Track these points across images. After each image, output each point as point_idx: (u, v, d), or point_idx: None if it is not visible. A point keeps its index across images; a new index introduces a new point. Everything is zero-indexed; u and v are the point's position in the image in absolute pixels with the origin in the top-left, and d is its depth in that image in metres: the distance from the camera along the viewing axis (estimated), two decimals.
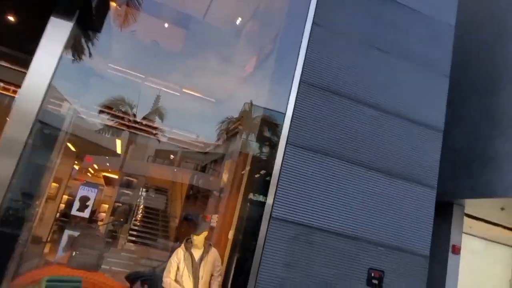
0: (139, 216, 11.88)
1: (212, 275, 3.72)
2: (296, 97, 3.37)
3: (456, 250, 4.90)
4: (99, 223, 10.97)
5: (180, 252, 3.66)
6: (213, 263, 3.70)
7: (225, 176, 7.24)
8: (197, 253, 3.69)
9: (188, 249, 3.66)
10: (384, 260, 3.42)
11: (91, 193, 7.18)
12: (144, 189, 12.86)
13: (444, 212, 5.13)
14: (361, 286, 3.30)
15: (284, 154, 3.26)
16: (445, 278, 4.78)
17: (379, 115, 3.64)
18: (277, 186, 3.20)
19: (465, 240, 7.44)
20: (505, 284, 6.99)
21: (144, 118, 11.32)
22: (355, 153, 3.50)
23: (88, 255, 4.23)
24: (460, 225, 5.06)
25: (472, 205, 5.05)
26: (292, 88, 3.37)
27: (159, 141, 11.89)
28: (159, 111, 11.24)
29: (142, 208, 12.65)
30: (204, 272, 3.63)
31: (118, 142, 9.30)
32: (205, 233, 3.68)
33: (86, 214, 7.38)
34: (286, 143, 3.28)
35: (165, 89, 7.71)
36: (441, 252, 4.97)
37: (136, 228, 11.05)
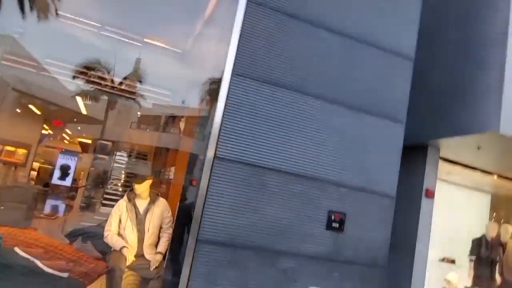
0: (115, 181, 11.58)
1: (161, 227, 3.40)
2: (244, 19, 2.89)
3: (430, 194, 4.66)
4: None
5: (122, 204, 3.31)
6: (160, 214, 3.36)
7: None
8: (142, 204, 3.34)
9: (131, 200, 3.30)
10: (346, 202, 3.12)
11: (71, 161, 6.99)
12: (119, 153, 12.49)
13: (418, 155, 4.85)
14: (320, 230, 3.01)
15: (229, 86, 2.84)
16: (418, 222, 4.57)
17: (341, 42, 3.21)
18: (221, 122, 2.80)
19: (444, 187, 7.29)
20: (482, 229, 6.91)
21: (122, 82, 10.72)
22: (313, 85, 3.09)
23: (14, 210, 3.85)
24: (435, 169, 4.80)
25: (447, 147, 4.76)
26: (239, 7, 2.88)
27: (140, 105, 11.45)
28: (138, 73, 10.64)
29: (119, 173, 12.32)
30: (150, 224, 3.29)
31: (79, 100, 8.73)
32: (148, 181, 3.31)
33: (67, 182, 7.14)
34: (232, 73, 2.85)
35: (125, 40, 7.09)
36: (414, 196, 4.73)
37: (111, 192, 10.76)
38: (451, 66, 4.45)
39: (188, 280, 2.63)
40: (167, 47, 6.31)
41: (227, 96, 2.82)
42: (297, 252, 2.93)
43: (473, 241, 6.54)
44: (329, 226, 3.02)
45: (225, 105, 2.81)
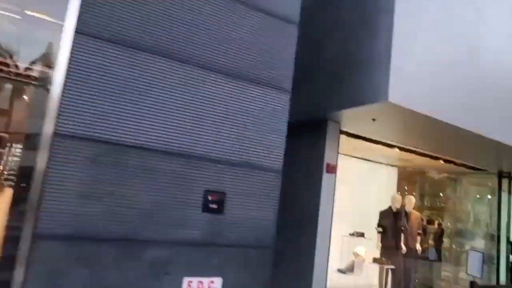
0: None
1: None
2: None
3: (331, 169, 4.58)
4: None
5: None
6: None
7: None
8: None
9: None
10: (226, 180, 2.81)
11: None
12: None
13: (318, 129, 4.75)
14: (196, 213, 2.67)
15: (71, 48, 2.33)
16: (320, 197, 4.47)
17: (213, 0, 2.85)
18: (62, 92, 2.30)
19: (352, 163, 7.43)
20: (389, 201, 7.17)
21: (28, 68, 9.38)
22: (181, 48, 2.70)
23: None
24: (336, 143, 4.72)
25: (347, 120, 4.71)
26: None
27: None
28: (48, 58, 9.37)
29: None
30: None
31: None
32: None
33: None
34: (75, 32, 2.35)
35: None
36: (316, 171, 4.63)
37: None
38: (345, 34, 4.34)
39: (24, 282, 2.14)
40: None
41: (69, 59, 2.32)
42: (168, 240, 2.57)
43: (380, 213, 6.74)
44: (205, 208, 2.69)
45: (67, 70, 2.31)
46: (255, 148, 2.94)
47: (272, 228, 2.97)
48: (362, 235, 6.50)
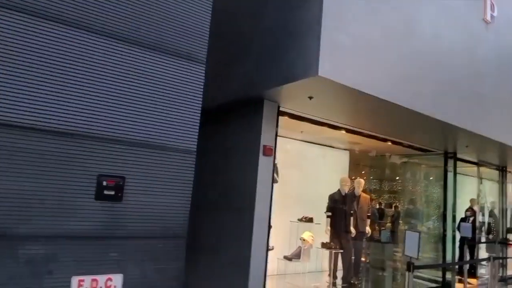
0: None
1: None
2: None
3: (268, 152, 4.32)
4: None
5: None
6: None
7: None
8: None
9: None
10: (127, 163, 2.46)
11: None
12: None
13: (255, 110, 4.46)
14: (88, 201, 2.30)
15: None
16: (256, 181, 4.20)
17: None
18: None
19: (301, 147, 7.23)
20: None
21: None
22: (72, 10, 2.29)
23: None
24: (273, 124, 4.46)
25: (286, 100, 4.45)
26: None
27: None
28: None
29: None
30: None
31: None
32: None
33: None
34: None
35: None
36: (252, 154, 4.35)
37: None
38: (279, 2, 4.05)
39: None
40: None
41: None
42: (52, 234, 2.19)
43: (329, 197, 6.60)
44: (100, 195, 2.33)
45: None
46: (162, 126, 2.60)
47: (184, 216, 2.66)
48: (310, 220, 6.34)
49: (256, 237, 4.16)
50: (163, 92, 2.61)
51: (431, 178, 8.25)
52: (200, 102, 2.77)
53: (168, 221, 2.59)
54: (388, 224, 9.70)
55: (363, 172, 8.65)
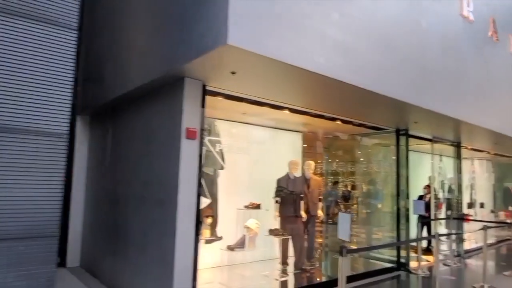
0: None
1: None
2: None
3: (192, 135, 3.93)
4: None
5: None
6: None
7: None
8: None
9: None
10: None
11: None
12: None
13: (175, 89, 4.06)
14: None
15: None
16: (178, 167, 3.81)
17: None
18: None
19: (248, 131, 6.88)
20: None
21: None
22: None
23: None
24: (197, 104, 4.06)
25: (210, 78, 4.05)
26: None
27: None
28: None
29: None
30: None
31: None
32: None
33: None
34: None
35: None
36: (173, 138, 3.96)
37: None
38: None
39: None
40: None
41: None
42: None
43: (277, 181, 6.30)
44: None
45: None
46: (27, 104, 2.16)
47: (54, 212, 2.25)
48: (258, 206, 6.03)
49: (181, 229, 3.79)
50: (27, 62, 2.17)
51: (389, 156, 8.08)
52: (72, 74, 2.34)
53: (33, 218, 2.17)
54: (355, 206, 9.61)
55: (318, 154, 8.41)
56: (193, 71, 3.79)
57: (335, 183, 10.05)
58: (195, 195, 3.95)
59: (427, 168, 9.37)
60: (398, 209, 6.92)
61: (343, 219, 3.39)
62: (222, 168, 6.41)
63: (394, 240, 7.03)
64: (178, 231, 3.77)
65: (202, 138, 4.10)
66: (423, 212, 6.96)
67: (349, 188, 10.52)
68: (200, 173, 4.06)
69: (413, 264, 6.83)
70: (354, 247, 7.59)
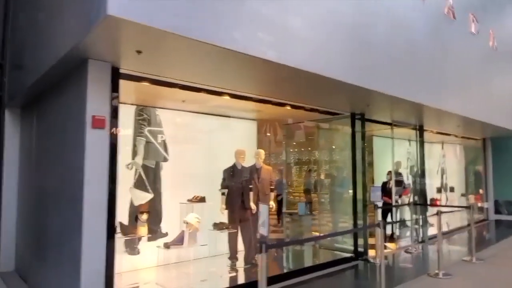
0: None
1: None
2: None
3: (99, 124, 3.51)
4: None
5: None
6: None
7: None
8: None
9: None
10: None
11: None
12: None
13: (79, 73, 3.63)
14: None
15: None
16: (83, 159, 3.40)
17: None
18: None
19: (194, 120, 6.48)
20: (250, 155, 6.43)
21: None
22: None
23: None
24: (105, 89, 3.63)
25: (120, 60, 3.63)
26: None
27: None
28: None
29: None
30: None
31: None
32: None
33: None
34: None
35: None
36: (79, 128, 3.54)
37: None
38: None
39: None
40: None
41: None
42: None
43: (224, 172, 5.94)
44: None
45: None
46: None
47: None
48: (202, 199, 5.66)
49: (88, 229, 3.39)
50: None
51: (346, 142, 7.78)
52: None
53: None
54: (327, 195, 9.32)
55: (276, 142, 8.07)
56: (96, 51, 3.36)
57: (309, 171, 9.77)
58: (105, 192, 3.55)
59: (396, 154, 9.15)
60: (354, 196, 6.65)
61: (263, 211, 3.04)
62: (165, 160, 6.03)
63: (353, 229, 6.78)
64: (84, 232, 3.37)
65: (115, 128, 3.68)
66: (379, 199, 6.70)
67: (322, 177, 10.26)
68: (114, 168, 3.65)
69: (373, 253, 6.60)
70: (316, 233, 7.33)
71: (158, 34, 2.90)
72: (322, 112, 6.59)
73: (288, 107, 6.09)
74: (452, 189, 12.84)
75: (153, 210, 5.73)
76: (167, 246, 5.03)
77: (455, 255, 7.06)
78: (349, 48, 4.65)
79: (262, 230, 3.07)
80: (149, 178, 5.75)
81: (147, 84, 4.34)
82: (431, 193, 11.59)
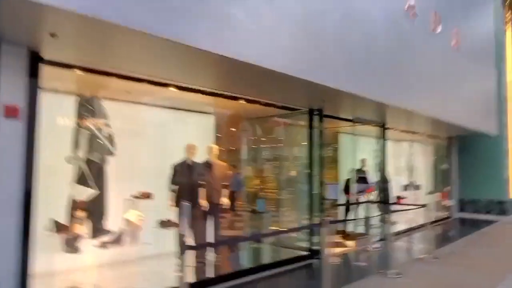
0: None
1: None
2: None
3: (12, 112, 3.23)
4: None
5: None
6: None
7: None
8: None
9: None
10: None
11: None
12: None
13: None
14: None
15: None
16: None
17: None
18: None
19: (149, 112, 6.20)
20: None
21: None
22: None
23: None
24: (20, 75, 3.34)
25: (40, 44, 3.34)
26: None
27: None
28: None
29: None
30: None
31: None
32: None
33: None
34: None
35: None
36: None
37: None
38: None
39: None
40: None
41: None
42: None
43: (173, 167, 5.69)
44: None
45: None
46: None
47: None
48: (148, 196, 5.41)
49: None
50: None
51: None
52: None
53: None
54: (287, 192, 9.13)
55: (235, 137, 7.87)
56: (7, 32, 3.07)
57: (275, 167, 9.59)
58: (19, 189, 3.27)
59: (363, 151, 9.09)
60: (311, 193, 6.51)
61: (185, 210, 2.83)
62: (111, 154, 5.73)
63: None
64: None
65: (33, 118, 3.40)
66: (335, 197, 6.60)
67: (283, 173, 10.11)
68: (31, 161, 3.37)
69: (332, 251, 6.48)
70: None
71: (72, 17, 2.65)
72: (279, 107, 6.42)
73: (243, 101, 5.89)
74: (418, 187, 12.96)
75: (97, 207, 5.45)
76: (103, 245, 4.76)
77: (413, 253, 7.03)
78: (297, 41, 4.48)
79: (183, 231, 2.89)
80: (93, 173, 5.45)
81: (80, 72, 4.06)
82: (397, 191, 11.68)
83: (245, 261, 6.67)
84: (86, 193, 5.31)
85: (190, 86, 5.06)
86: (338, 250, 7.09)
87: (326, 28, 4.90)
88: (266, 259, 6.81)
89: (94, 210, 5.33)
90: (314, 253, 6.40)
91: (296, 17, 4.46)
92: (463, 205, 12.60)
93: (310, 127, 6.61)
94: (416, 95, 7.12)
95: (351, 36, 5.34)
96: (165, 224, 5.27)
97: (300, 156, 7.03)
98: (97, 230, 5.32)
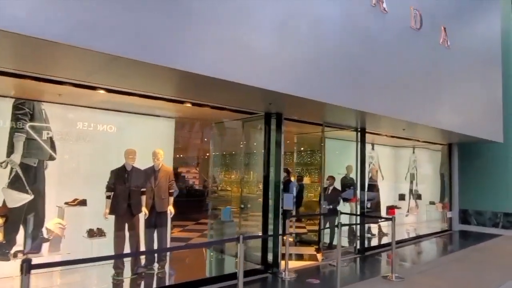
0: None
1: None
2: None
3: None
4: None
5: None
6: None
7: None
8: None
9: None
10: None
11: None
12: None
13: None
14: None
15: None
16: None
17: None
18: None
19: (97, 116, 6.00)
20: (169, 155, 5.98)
21: None
22: None
23: None
24: None
25: None
26: None
27: None
28: None
29: None
30: None
31: None
32: None
33: None
34: None
35: None
36: None
37: None
38: None
39: None
40: None
41: None
42: None
43: (111, 173, 5.46)
44: None
45: None
46: None
47: None
48: (83, 203, 5.19)
49: None
50: None
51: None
52: None
53: None
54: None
55: (198, 142, 7.57)
56: None
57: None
58: None
59: (350, 157, 8.55)
60: (266, 201, 6.10)
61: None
62: (52, 158, 5.57)
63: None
64: None
65: None
66: (291, 207, 6.16)
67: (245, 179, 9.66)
68: None
69: (291, 264, 6.08)
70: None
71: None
72: (233, 111, 6.07)
73: (188, 104, 5.58)
74: (419, 197, 12.19)
75: (34, 213, 5.28)
76: (15, 255, 4.55)
77: (380, 271, 6.48)
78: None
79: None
80: (29, 178, 5.29)
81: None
82: (390, 201, 10.99)
83: (192, 273, 6.33)
84: (20, 199, 5.16)
85: (119, 89, 4.81)
86: (300, 264, 6.65)
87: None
88: (218, 271, 6.46)
89: (28, 216, 5.17)
90: (268, 267, 6.00)
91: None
92: (466, 217, 11.72)
93: (267, 131, 6.20)
94: (381, 97, 6.54)
95: (288, 27, 4.91)
96: (90, 233, 5.03)
97: (259, 162, 6.63)
98: (31, 237, 5.15)
